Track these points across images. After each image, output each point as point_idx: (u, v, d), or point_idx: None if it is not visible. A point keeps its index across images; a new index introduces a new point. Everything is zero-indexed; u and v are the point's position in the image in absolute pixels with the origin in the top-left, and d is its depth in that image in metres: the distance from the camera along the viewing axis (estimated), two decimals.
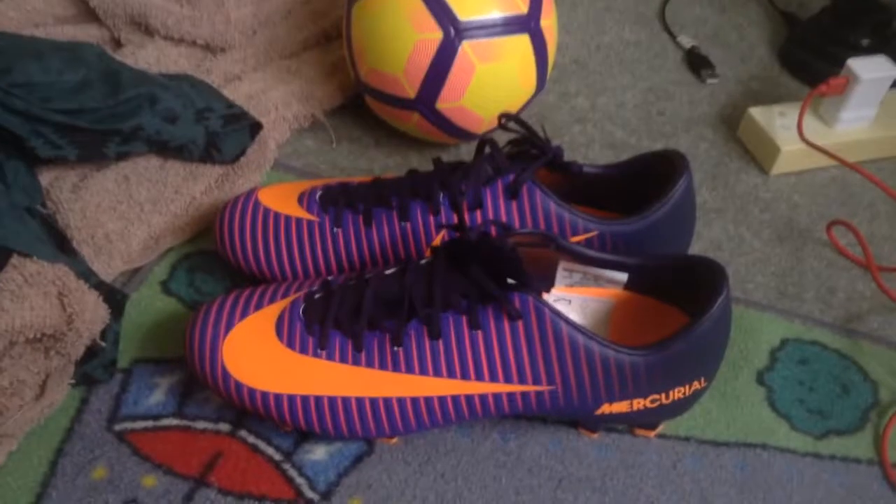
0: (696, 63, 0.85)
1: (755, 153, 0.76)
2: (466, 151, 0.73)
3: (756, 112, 0.75)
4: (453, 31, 0.62)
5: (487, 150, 0.58)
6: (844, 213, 0.71)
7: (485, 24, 0.63)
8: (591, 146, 0.75)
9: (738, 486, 0.52)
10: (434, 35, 0.63)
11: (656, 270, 0.53)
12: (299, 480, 0.50)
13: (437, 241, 0.57)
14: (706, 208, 0.70)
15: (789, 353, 0.59)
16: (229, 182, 0.65)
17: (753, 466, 0.53)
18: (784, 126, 0.74)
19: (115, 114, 0.60)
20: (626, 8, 0.93)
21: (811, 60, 0.85)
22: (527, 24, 0.65)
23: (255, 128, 0.67)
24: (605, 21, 0.90)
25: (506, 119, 0.58)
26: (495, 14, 0.63)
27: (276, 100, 0.71)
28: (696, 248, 0.66)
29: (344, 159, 0.72)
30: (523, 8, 0.64)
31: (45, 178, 0.62)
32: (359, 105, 0.75)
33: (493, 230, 0.55)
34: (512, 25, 0.64)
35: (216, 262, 0.62)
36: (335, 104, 0.74)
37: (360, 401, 0.49)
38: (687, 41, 0.88)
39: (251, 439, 0.52)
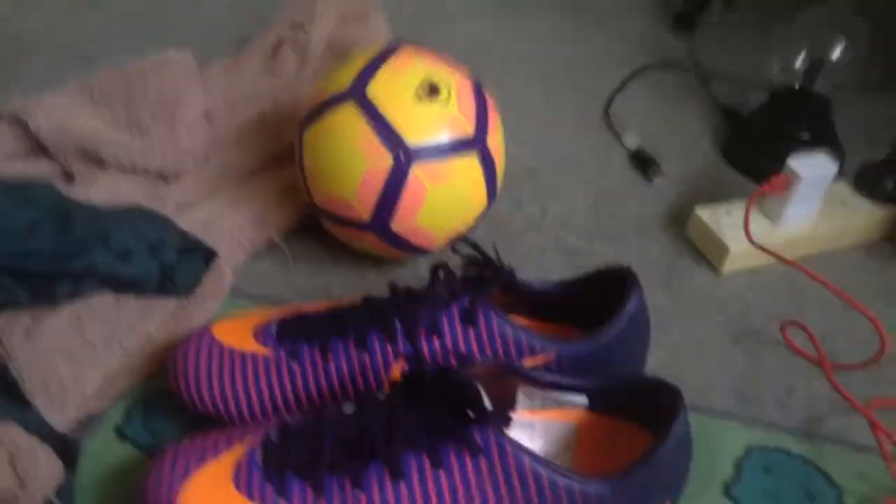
0: (643, 163, 0.87)
1: (705, 252, 0.77)
2: (425, 265, 0.74)
3: (703, 212, 0.77)
4: (403, 156, 0.64)
5: (441, 274, 0.59)
6: (796, 309, 0.72)
7: (433, 148, 0.64)
8: (545, 253, 0.77)
9: None
10: (384, 161, 0.64)
11: (614, 391, 0.53)
12: None
13: (395, 370, 0.56)
14: (661, 312, 0.71)
15: (754, 462, 0.59)
16: (185, 315, 0.64)
17: None
18: (731, 226, 0.76)
19: (66, 254, 0.60)
20: (573, 113, 0.95)
21: (753, 156, 0.88)
22: (474, 144, 0.66)
23: (210, 257, 0.67)
24: (555, 128, 0.93)
25: (458, 244, 0.59)
26: (443, 137, 0.64)
27: (231, 225, 0.71)
28: (654, 355, 0.67)
29: (301, 280, 0.72)
30: (470, 130, 0.66)
31: None
32: (314, 223, 0.75)
33: (452, 360, 0.55)
34: (460, 146, 0.65)
35: (172, 403, 0.60)
36: (291, 225, 0.75)
37: None
38: (633, 141, 0.90)
39: None
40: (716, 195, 0.84)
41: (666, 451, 0.48)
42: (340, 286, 0.72)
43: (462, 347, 0.56)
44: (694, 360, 0.67)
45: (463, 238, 0.59)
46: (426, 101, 0.65)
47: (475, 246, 0.59)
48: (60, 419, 0.56)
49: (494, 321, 0.56)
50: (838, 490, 0.58)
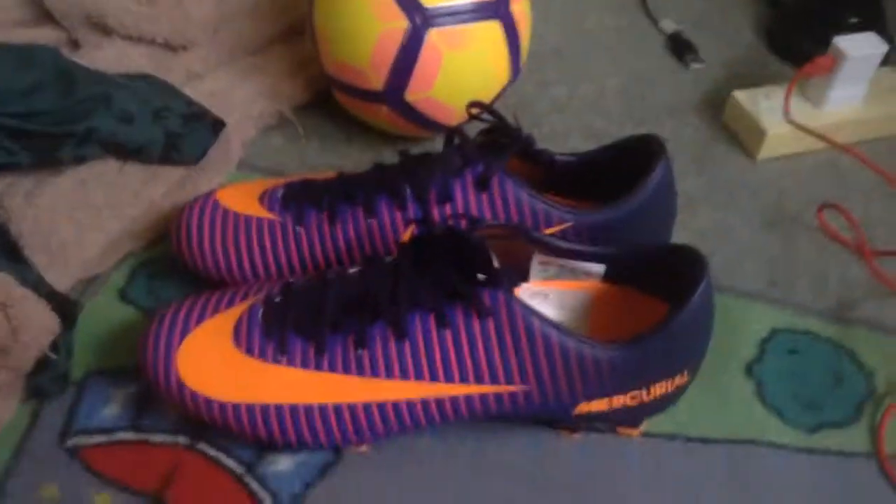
0: (680, 48, 0.82)
1: (741, 138, 0.73)
2: (442, 144, 0.71)
3: (741, 95, 0.73)
4: (419, 19, 0.60)
5: (456, 140, 0.55)
6: (836, 196, 0.68)
7: (452, 11, 0.60)
8: (571, 135, 0.73)
9: (728, 485, 0.49)
10: (399, 24, 0.60)
11: (634, 260, 0.50)
12: (262, 494, 0.48)
13: (405, 236, 0.54)
14: (692, 196, 0.67)
15: (779, 343, 0.57)
16: (191, 183, 0.62)
17: (744, 464, 0.50)
18: (770, 108, 0.71)
19: (68, 116, 0.58)
20: None
21: (798, 42, 0.82)
22: (496, 8, 0.62)
23: (218, 126, 0.64)
24: (585, 8, 0.88)
25: (474, 108, 0.56)
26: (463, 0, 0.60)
27: (241, 97, 0.68)
28: (681, 237, 0.63)
29: (314, 157, 0.69)
30: None
31: None
32: (329, 101, 0.72)
33: (462, 223, 0.53)
34: (481, 11, 0.61)
35: (177, 269, 0.59)
36: (303, 100, 0.72)
37: (323, 408, 0.46)
38: (670, 26, 0.85)
39: (211, 451, 0.49)
40: (756, 82, 0.79)
41: (684, 319, 0.46)
42: (354, 165, 0.69)
43: (475, 213, 0.53)
44: (723, 243, 0.64)
45: (480, 104, 0.56)
46: None
47: (493, 112, 0.56)
48: (60, 278, 0.55)
49: (510, 188, 0.53)
50: (868, 374, 0.55)
